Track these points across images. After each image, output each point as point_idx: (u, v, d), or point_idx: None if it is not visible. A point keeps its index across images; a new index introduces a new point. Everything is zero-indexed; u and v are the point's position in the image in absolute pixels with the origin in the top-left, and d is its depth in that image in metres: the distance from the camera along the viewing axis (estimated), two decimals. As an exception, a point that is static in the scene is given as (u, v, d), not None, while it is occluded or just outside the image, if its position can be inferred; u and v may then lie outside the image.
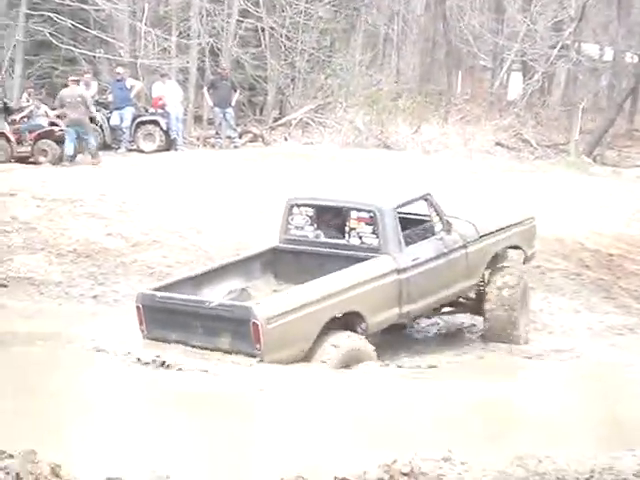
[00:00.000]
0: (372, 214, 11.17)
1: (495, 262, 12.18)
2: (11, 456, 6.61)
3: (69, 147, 18.51)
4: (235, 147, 21.33)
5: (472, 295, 12.31)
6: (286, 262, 11.69)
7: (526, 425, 8.89)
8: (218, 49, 23.57)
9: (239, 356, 10.06)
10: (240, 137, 22.12)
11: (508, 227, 12.33)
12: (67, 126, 18.45)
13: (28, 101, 20.26)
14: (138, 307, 10.76)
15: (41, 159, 18.65)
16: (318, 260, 11.27)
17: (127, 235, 14.65)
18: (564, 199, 17.14)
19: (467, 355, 11.55)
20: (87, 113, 18.77)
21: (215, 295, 10.99)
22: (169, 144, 20.84)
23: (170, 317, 10.49)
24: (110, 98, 21.02)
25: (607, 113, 25.45)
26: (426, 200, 11.52)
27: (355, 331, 10.62)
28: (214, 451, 7.66)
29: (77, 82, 19.10)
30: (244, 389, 9.62)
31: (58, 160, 18.62)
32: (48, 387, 9.16)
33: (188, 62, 23.23)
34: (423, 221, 11.58)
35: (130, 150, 20.49)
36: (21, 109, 19.92)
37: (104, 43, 23.92)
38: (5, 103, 19.85)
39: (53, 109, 19.44)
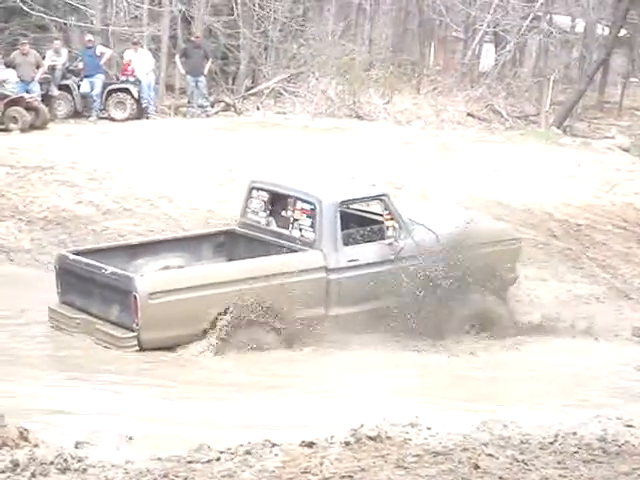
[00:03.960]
0: (312, 206, 10.55)
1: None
2: (-22, 419, 6.66)
3: None
4: (207, 116, 21.25)
5: None
6: (239, 247, 11.12)
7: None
8: (190, 17, 23.43)
9: (118, 329, 9.67)
10: (212, 106, 22.03)
11: (481, 244, 11.12)
12: None
13: (-1, 68, 20.06)
14: (55, 268, 10.50)
15: (11, 126, 18.50)
16: (266, 248, 10.67)
17: (98, 203, 14.62)
18: (533, 170, 17.22)
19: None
20: None
21: (148, 269, 10.52)
22: (140, 112, 20.72)
23: (78, 282, 10.16)
24: (81, 66, 20.85)
25: (578, 85, 25.53)
26: (381, 200, 10.86)
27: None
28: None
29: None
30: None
31: (28, 127, 18.50)
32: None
33: (160, 30, 23.08)
34: (378, 222, 10.88)
35: (101, 118, 20.37)
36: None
37: (75, 10, 23.68)
38: (-25, 70, 19.67)
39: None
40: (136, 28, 22.87)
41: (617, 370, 10.13)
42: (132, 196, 14.89)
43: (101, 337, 9.79)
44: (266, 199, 11.15)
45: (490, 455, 6.67)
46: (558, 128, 22.57)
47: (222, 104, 22.74)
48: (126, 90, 20.61)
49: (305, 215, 10.66)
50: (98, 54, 20.76)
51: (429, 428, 7.16)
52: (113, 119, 20.32)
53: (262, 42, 24.25)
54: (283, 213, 10.98)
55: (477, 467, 6.43)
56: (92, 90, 20.39)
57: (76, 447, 6.62)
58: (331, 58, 23.61)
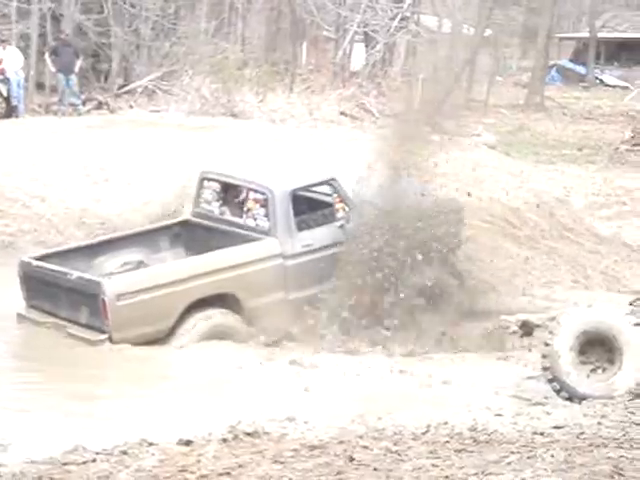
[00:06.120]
0: (265, 196, 10.86)
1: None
2: None
3: None
4: (79, 114, 20.97)
5: None
6: (195, 236, 11.35)
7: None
8: (60, 15, 23.05)
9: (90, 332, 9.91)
10: (84, 104, 21.77)
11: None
12: None
13: None
14: (19, 273, 10.64)
15: None
16: (222, 237, 10.95)
17: (-33, 204, 14.31)
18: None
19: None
20: None
21: (109, 266, 10.77)
22: (10, 111, 20.29)
23: (43, 287, 10.34)
24: (-53, 64, 20.32)
25: (445, 83, 26.01)
26: (330, 185, 11.21)
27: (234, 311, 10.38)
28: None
29: None
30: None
31: None
32: None
33: (29, 28, 22.62)
34: (330, 204, 11.21)
35: (-32, 117, 19.90)
36: None
37: (-60, 7, 23.06)
38: None
39: None
40: (4, 25, 22.37)
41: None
42: (2, 196, 14.63)
43: (73, 340, 9.94)
44: (218, 189, 11.39)
45: (365, 447, 6.82)
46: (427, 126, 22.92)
47: (94, 102, 22.46)
48: (-6, 88, 20.20)
49: (258, 205, 10.96)
50: (-34, 52, 20.29)
51: (306, 422, 7.29)
52: (-19, 118, 19.87)
53: (134, 40, 24.02)
54: (236, 202, 11.27)
55: (352, 459, 6.57)
56: (-41, 89, 19.92)
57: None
58: (204, 56, 23.55)
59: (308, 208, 11.20)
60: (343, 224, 11.10)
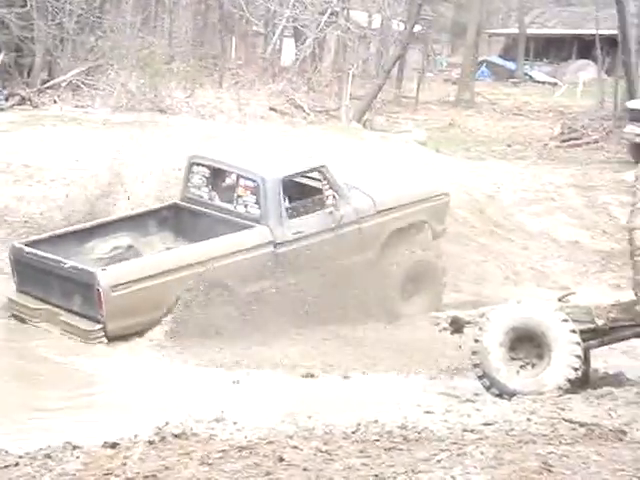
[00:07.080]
0: (256, 183, 10.98)
1: (401, 236, 11.71)
2: None
3: None
4: (1, 110, 20.61)
5: None
6: (184, 220, 11.51)
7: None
8: (-19, 8, 22.62)
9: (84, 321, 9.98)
10: (6, 100, 21.41)
11: (413, 202, 11.89)
12: None
13: None
14: (10, 258, 10.74)
15: None
16: (212, 222, 11.10)
17: None
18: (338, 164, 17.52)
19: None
20: None
21: (99, 251, 10.91)
22: None
23: (35, 273, 10.43)
24: None
25: (376, 79, 26.16)
26: (320, 172, 11.35)
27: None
28: None
29: None
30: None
31: None
32: None
33: (-51, 21, 22.18)
34: (319, 191, 11.35)
35: None
36: None
37: None
38: None
39: None
40: None
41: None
42: None
43: (67, 329, 10.09)
44: (207, 174, 11.48)
45: (295, 447, 6.77)
46: (358, 122, 23.02)
47: (17, 98, 22.08)
48: None
49: (249, 192, 11.09)
50: None
51: (235, 423, 7.21)
52: None
53: (58, 34, 23.64)
54: (225, 188, 11.39)
55: (282, 460, 6.52)
56: None
57: None
58: (130, 51, 23.29)
59: (298, 195, 11.32)
60: (332, 211, 11.24)
